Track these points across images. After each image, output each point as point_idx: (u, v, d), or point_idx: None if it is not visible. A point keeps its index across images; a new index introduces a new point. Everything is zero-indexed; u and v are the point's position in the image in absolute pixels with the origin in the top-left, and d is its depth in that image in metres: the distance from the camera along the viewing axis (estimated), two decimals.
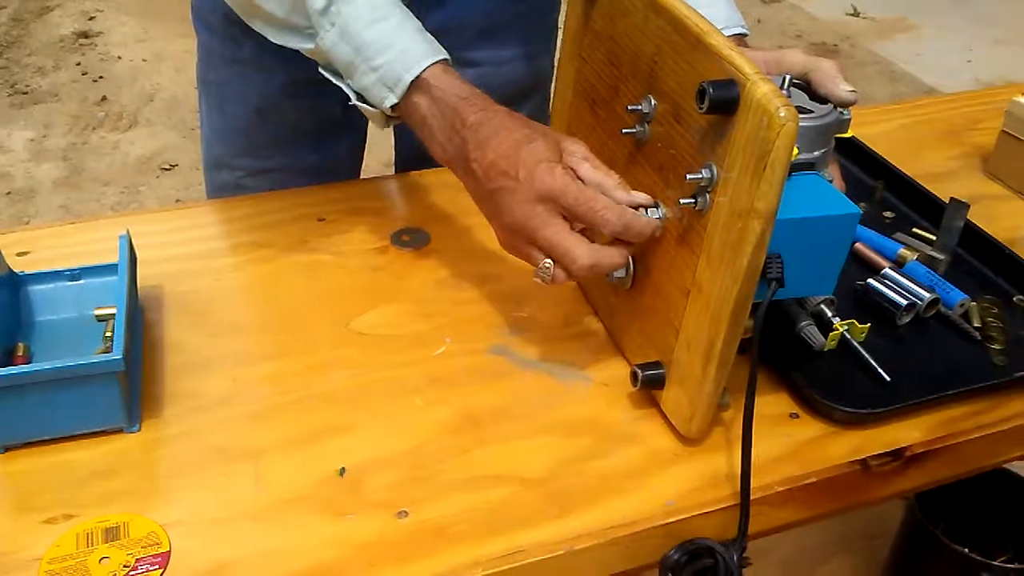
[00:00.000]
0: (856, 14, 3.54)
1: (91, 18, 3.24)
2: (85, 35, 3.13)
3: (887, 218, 0.91)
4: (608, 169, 0.66)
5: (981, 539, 1.19)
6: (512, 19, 0.97)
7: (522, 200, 0.65)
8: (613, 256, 0.65)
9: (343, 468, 0.63)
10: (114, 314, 0.67)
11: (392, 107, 0.72)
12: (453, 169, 0.72)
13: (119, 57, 3.01)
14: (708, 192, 0.59)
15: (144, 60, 2.99)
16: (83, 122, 2.68)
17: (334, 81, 0.75)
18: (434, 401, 0.69)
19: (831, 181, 0.67)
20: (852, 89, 0.67)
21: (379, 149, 1.21)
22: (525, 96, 1.02)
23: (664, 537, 0.62)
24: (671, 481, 0.64)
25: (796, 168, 0.66)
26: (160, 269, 0.79)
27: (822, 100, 0.69)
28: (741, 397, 0.62)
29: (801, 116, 0.65)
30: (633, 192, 0.65)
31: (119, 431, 0.65)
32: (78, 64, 2.96)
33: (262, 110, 0.97)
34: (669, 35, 0.62)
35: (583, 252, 0.64)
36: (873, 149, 0.97)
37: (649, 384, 0.67)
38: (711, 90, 0.55)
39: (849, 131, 0.97)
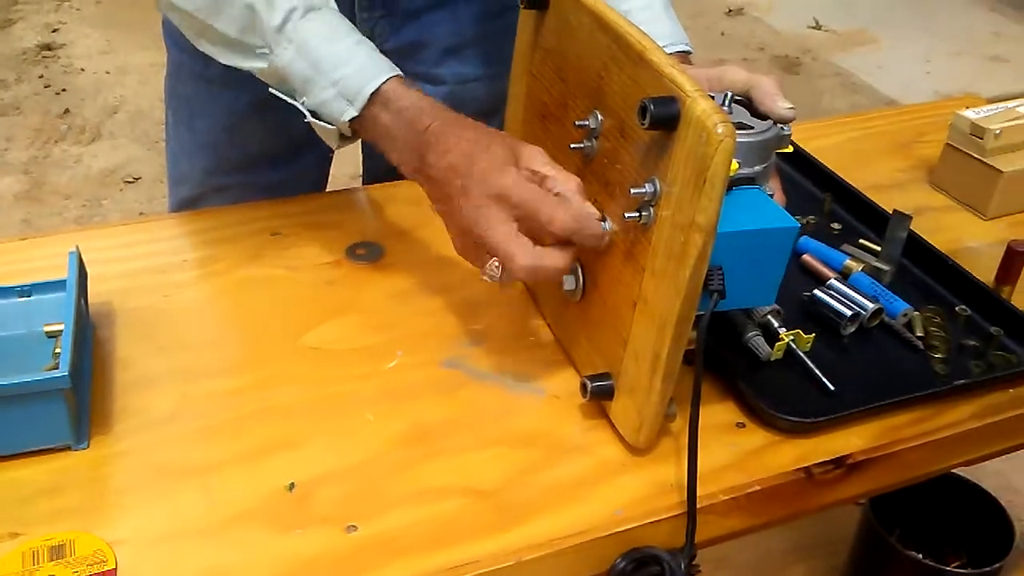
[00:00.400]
0: (818, 27, 3.60)
1: (54, 30, 3.22)
2: (48, 47, 3.10)
3: (835, 230, 0.92)
4: (569, 175, 0.67)
5: (935, 544, 1.21)
6: (479, 39, 0.98)
7: (474, 201, 0.66)
8: (555, 259, 0.65)
9: (292, 483, 0.63)
10: (63, 330, 0.66)
11: (351, 122, 0.73)
12: (414, 178, 0.72)
13: (82, 69, 2.98)
14: (652, 206, 0.60)
15: (108, 72, 2.97)
16: (45, 135, 2.65)
17: (287, 100, 0.75)
18: (385, 415, 0.69)
19: (772, 195, 0.69)
20: (790, 106, 0.69)
21: (345, 162, 1.22)
22: (489, 116, 1.03)
23: (613, 546, 0.63)
24: (620, 491, 0.65)
25: (737, 182, 0.67)
26: (112, 285, 0.79)
27: (763, 116, 0.70)
28: (689, 407, 0.63)
29: (741, 132, 0.67)
30: (587, 203, 0.66)
31: (67, 448, 0.64)
32: (41, 77, 2.93)
33: (229, 127, 0.98)
34: (614, 52, 0.63)
35: (524, 254, 0.64)
36: (821, 162, 0.99)
37: (598, 395, 0.68)
38: (652, 106, 0.56)
39: (806, 144, 1.00)
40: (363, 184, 1.11)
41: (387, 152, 0.73)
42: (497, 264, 0.65)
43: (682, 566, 0.62)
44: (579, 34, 0.68)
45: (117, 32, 3.17)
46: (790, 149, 0.71)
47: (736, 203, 0.65)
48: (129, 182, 2.48)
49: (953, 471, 1.17)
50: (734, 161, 0.61)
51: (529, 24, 0.75)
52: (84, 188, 2.45)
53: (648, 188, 0.59)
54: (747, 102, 0.71)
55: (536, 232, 0.65)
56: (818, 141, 1.08)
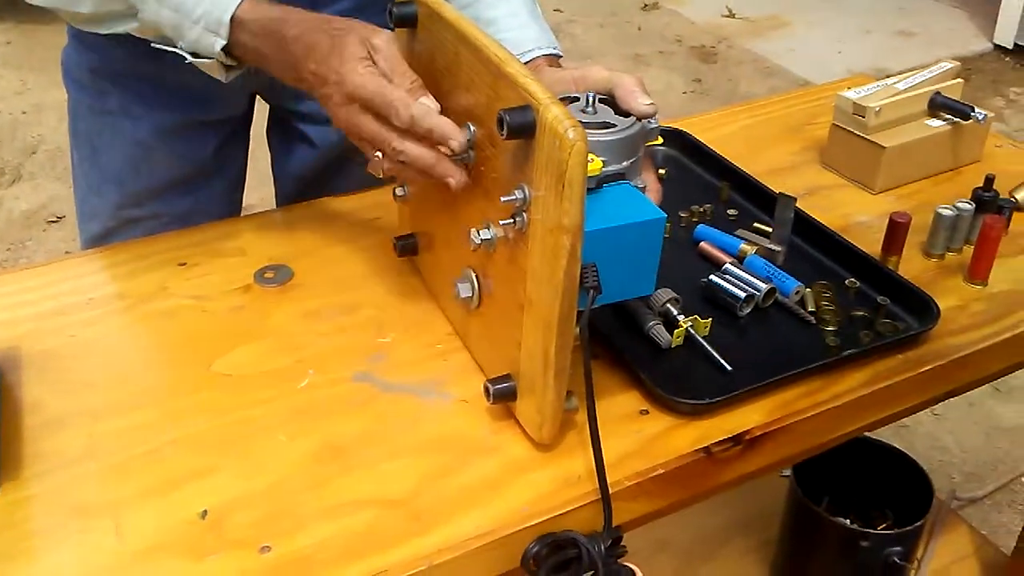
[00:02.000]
0: (731, 15, 3.67)
1: None
2: None
3: (731, 216, 0.96)
4: (406, 69, 0.70)
5: (863, 508, 1.26)
6: None
7: (339, 103, 0.70)
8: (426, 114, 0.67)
9: (205, 510, 0.64)
10: None
11: (226, 53, 0.77)
12: (298, 86, 0.76)
13: None
14: (524, 212, 0.62)
15: (24, 112, 2.92)
16: None
17: (169, 50, 0.79)
18: (297, 434, 0.70)
19: (644, 188, 0.71)
20: (650, 102, 0.72)
21: (261, 184, 1.22)
22: None
23: (525, 541, 0.64)
24: (530, 487, 0.67)
25: (607, 179, 0.69)
26: (19, 330, 0.79)
27: (627, 113, 0.73)
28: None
29: (604, 131, 0.69)
30: (426, 98, 0.69)
31: None
32: None
33: (134, 158, 0.99)
34: (476, 66, 0.65)
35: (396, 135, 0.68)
36: (716, 151, 1.02)
37: (501, 397, 0.70)
38: (507, 117, 0.58)
39: (704, 135, 1.03)
40: (276, 207, 1.12)
41: (268, 71, 0.77)
42: (378, 155, 0.70)
43: (600, 547, 0.64)
44: (446, 49, 0.70)
45: (31, 72, 3.12)
46: (659, 141, 0.74)
47: (605, 200, 0.68)
48: (52, 221, 2.44)
49: (875, 436, 1.21)
50: (598, 159, 0.64)
51: (403, 41, 0.77)
52: (7, 232, 2.41)
53: (518, 195, 0.61)
54: (611, 100, 0.74)
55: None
56: (715, 131, 1.11)
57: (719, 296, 0.82)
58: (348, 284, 0.86)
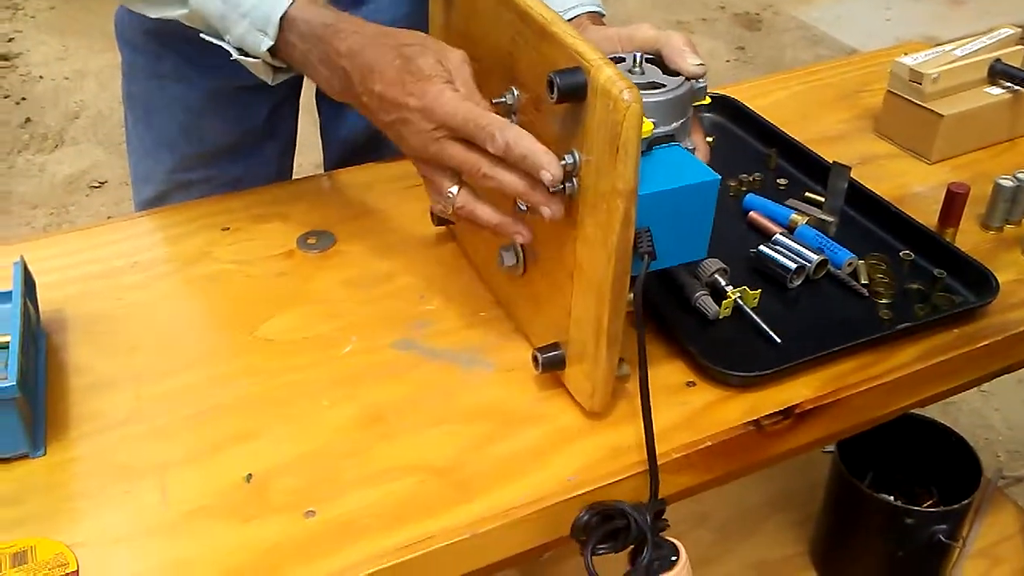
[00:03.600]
0: None
1: (10, 40, 3.17)
2: (5, 57, 3.06)
3: (781, 185, 0.93)
4: (477, 91, 0.65)
5: (907, 486, 1.24)
6: None
7: (422, 130, 0.64)
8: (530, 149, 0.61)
9: (249, 474, 0.64)
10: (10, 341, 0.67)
11: (273, 54, 0.72)
12: (347, 101, 0.71)
13: (41, 77, 2.95)
14: (575, 177, 0.61)
15: (66, 78, 2.94)
16: (8, 146, 2.63)
17: (215, 42, 0.75)
18: (340, 400, 0.70)
19: (694, 150, 0.69)
20: (700, 62, 0.69)
21: (310, 150, 1.22)
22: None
23: (570, 511, 0.63)
24: (576, 456, 0.66)
25: (656, 142, 0.68)
26: (65, 292, 0.79)
27: (676, 73, 0.70)
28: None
29: (653, 92, 0.67)
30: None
31: (24, 456, 0.65)
32: None
33: (186, 123, 0.99)
34: (520, 27, 0.63)
35: (486, 160, 0.62)
36: (766, 118, 1.00)
37: (550, 366, 0.69)
38: (558, 79, 0.57)
39: (752, 102, 1.00)
40: (325, 171, 1.11)
41: (314, 79, 0.73)
42: (453, 191, 0.65)
43: (647, 519, 0.63)
44: (486, 14, 0.68)
45: (73, 37, 3.13)
46: (707, 101, 0.72)
47: (657, 163, 0.66)
48: (95, 187, 2.47)
49: (921, 412, 1.19)
50: (649, 121, 0.62)
51: (439, 9, 0.76)
52: (50, 196, 2.44)
53: (569, 159, 0.60)
54: (659, 60, 0.72)
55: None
56: (764, 98, 1.08)
57: (769, 267, 0.80)
58: (391, 251, 0.85)
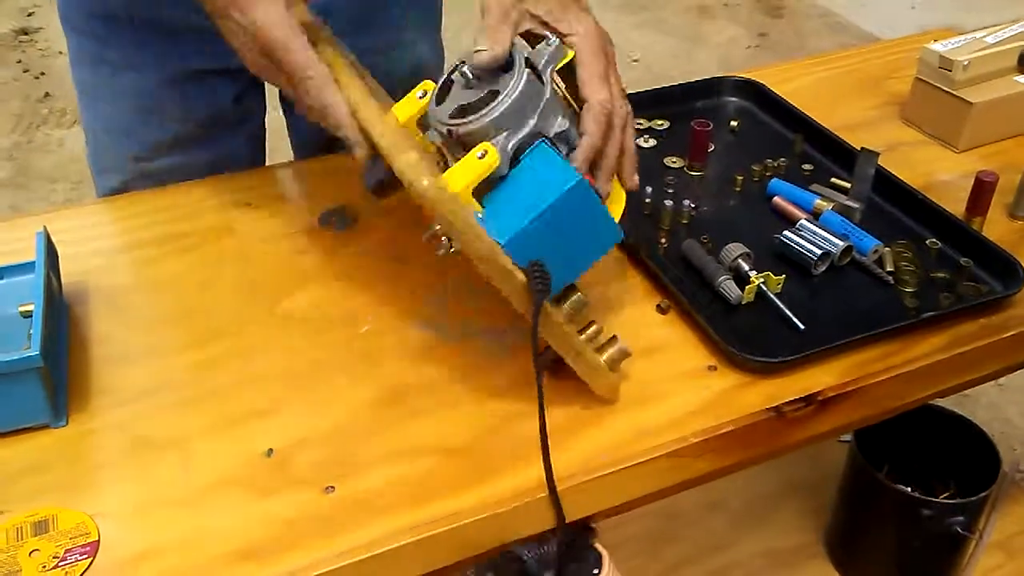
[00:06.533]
0: None
1: (29, 14, 3.18)
2: (24, 32, 3.07)
3: (806, 171, 0.92)
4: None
5: (924, 477, 1.23)
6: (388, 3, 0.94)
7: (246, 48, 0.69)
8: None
9: (270, 449, 0.64)
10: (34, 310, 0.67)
11: None
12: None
13: (60, 52, 2.95)
14: (447, 239, 0.61)
15: None
16: (27, 120, 2.64)
17: None
18: (360, 378, 0.70)
19: (567, 128, 0.64)
20: (483, 48, 0.63)
21: (283, 136, 1.19)
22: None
23: (592, 492, 0.64)
24: (594, 439, 0.66)
25: (522, 149, 0.62)
26: (87, 264, 0.79)
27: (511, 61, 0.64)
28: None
29: (492, 106, 0.61)
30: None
31: (46, 426, 0.65)
32: (19, 62, 2.91)
33: (142, 109, 0.93)
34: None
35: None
36: (791, 103, 0.99)
37: (546, 368, 0.67)
38: (366, 178, 0.64)
39: (777, 87, 0.98)
40: (294, 159, 1.08)
41: None
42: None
43: (552, 550, 0.63)
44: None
45: None
46: (570, 55, 0.65)
47: (520, 182, 0.62)
48: None
49: (939, 404, 1.18)
50: (493, 151, 0.59)
51: None
52: (70, 171, 2.44)
53: (434, 228, 0.61)
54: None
55: None
56: (789, 84, 1.07)
57: (793, 253, 0.80)
58: (409, 230, 0.84)
